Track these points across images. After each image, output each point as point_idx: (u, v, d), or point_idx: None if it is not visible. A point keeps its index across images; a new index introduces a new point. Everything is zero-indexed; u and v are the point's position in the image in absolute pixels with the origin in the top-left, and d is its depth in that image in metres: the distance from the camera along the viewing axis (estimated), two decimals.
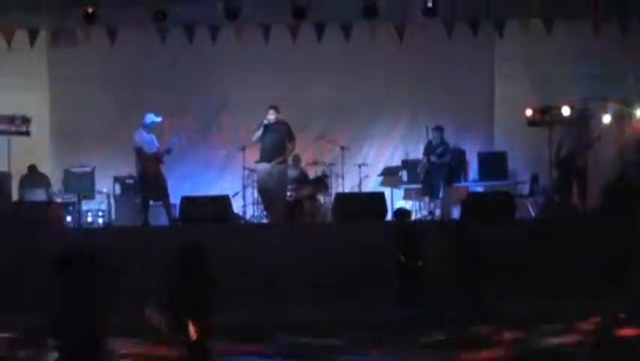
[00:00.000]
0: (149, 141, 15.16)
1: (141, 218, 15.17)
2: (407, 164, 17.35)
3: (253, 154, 15.73)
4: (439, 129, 16.56)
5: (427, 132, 16.58)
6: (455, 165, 16.99)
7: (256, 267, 12.87)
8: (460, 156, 17.34)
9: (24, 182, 16.54)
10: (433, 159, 16.36)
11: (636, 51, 16.49)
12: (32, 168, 16.69)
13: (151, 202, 15.40)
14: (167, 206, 15.18)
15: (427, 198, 16.50)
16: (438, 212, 16.32)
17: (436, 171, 16.46)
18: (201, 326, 7.18)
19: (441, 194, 16.48)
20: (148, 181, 15.13)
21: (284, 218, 15.22)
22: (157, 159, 15.14)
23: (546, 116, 16.43)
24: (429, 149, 16.54)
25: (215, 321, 7.34)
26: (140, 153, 15.09)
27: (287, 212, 15.47)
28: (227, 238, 13.11)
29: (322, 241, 13.42)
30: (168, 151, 15.28)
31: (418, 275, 11.99)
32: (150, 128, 15.26)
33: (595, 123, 16.39)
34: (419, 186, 16.78)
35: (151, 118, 15.25)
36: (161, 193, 15.21)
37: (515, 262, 12.75)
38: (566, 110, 16.06)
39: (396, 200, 17.16)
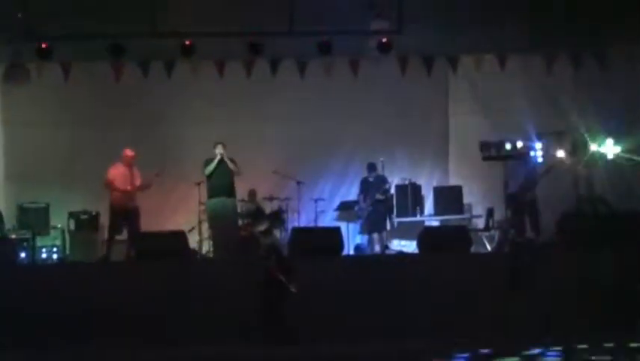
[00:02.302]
0: (124, 175, 15.09)
1: (96, 254, 15.07)
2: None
3: None
4: (372, 167, 16.75)
5: (382, 167, 16.70)
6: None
7: (211, 301, 12.78)
8: (415, 190, 17.42)
9: None
10: (378, 196, 16.49)
11: (589, 85, 16.67)
12: None
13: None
14: (132, 241, 14.89)
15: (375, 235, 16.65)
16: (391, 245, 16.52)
17: (380, 206, 16.59)
18: None
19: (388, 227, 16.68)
20: (117, 215, 15.05)
21: (237, 253, 15.16)
22: (129, 194, 15.03)
23: (500, 150, 16.55)
24: (367, 186, 16.71)
25: None
26: (109, 186, 15.05)
27: (241, 247, 15.37)
28: (184, 273, 13.10)
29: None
30: (139, 188, 15.21)
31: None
32: (127, 161, 15.18)
33: (548, 158, 16.52)
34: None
35: (125, 152, 15.21)
36: (132, 227, 15.02)
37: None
38: (519, 145, 16.21)
39: (353, 235, 17.17)
